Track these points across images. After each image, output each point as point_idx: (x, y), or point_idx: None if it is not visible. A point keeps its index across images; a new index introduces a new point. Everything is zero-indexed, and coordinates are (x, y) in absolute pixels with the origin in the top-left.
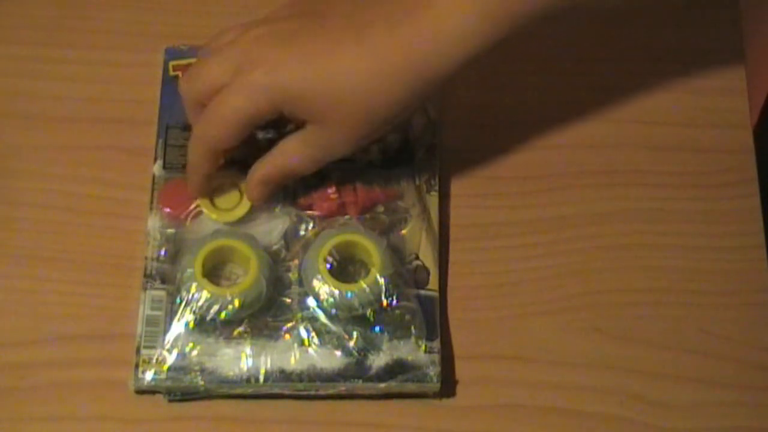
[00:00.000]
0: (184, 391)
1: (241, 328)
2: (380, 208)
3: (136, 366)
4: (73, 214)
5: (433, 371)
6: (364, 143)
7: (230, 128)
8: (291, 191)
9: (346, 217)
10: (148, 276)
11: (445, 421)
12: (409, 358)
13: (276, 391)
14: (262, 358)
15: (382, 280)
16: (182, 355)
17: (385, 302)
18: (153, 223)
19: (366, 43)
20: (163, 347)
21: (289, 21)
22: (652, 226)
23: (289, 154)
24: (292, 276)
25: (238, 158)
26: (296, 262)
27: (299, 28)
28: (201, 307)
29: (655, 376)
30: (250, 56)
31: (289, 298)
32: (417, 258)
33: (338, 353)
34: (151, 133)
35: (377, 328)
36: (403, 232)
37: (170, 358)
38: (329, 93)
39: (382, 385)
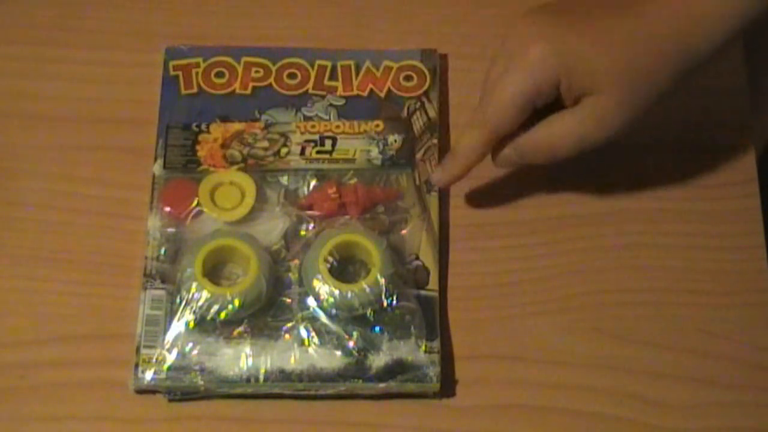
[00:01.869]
0: (183, 390)
1: (241, 328)
2: (380, 209)
3: (136, 365)
4: (73, 213)
5: (433, 371)
6: (637, 121)
7: (512, 108)
8: (292, 190)
9: (347, 217)
10: (148, 275)
11: (445, 420)
12: (409, 358)
13: (276, 391)
14: (262, 358)
15: (382, 280)
16: (182, 354)
17: (385, 302)
18: (153, 222)
19: (640, 20)
20: (162, 347)
21: (552, 5)
22: (652, 226)
23: (554, 130)
24: (293, 276)
25: None
26: (296, 262)
27: (565, 10)
28: (201, 306)
29: (655, 376)
30: (522, 38)
31: (289, 298)
32: (417, 258)
33: (338, 353)
34: (152, 133)
35: (377, 328)
36: (403, 232)
37: (170, 358)
38: (611, 60)
39: (382, 385)
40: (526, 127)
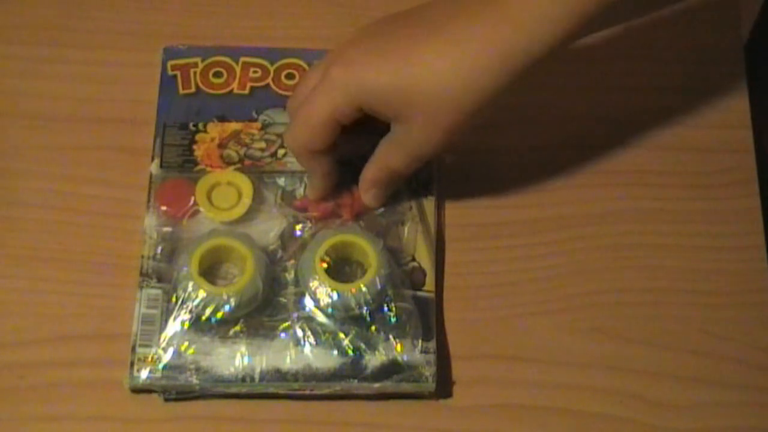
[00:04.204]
0: (179, 390)
1: (236, 328)
2: (377, 210)
3: (131, 364)
4: (72, 213)
5: (429, 372)
6: (455, 139)
7: (314, 128)
8: (288, 192)
9: (342, 218)
10: (144, 274)
11: (443, 420)
12: (405, 358)
13: (271, 390)
14: (258, 358)
15: (378, 281)
16: (177, 353)
17: (381, 303)
18: (150, 221)
19: (446, 37)
20: (158, 346)
21: (378, 24)
22: (652, 226)
23: (386, 155)
24: (289, 276)
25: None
26: (293, 262)
27: (382, 30)
28: (197, 306)
29: (655, 376)
30: (333, 57)
31: (285, 297)
32: (413, 259)
33: (334, 353)
34: (150, 133)
35: (373, 329)
36: (400, 233)
37: (165, 357)
38: (408, 90)
39: (378, 385)
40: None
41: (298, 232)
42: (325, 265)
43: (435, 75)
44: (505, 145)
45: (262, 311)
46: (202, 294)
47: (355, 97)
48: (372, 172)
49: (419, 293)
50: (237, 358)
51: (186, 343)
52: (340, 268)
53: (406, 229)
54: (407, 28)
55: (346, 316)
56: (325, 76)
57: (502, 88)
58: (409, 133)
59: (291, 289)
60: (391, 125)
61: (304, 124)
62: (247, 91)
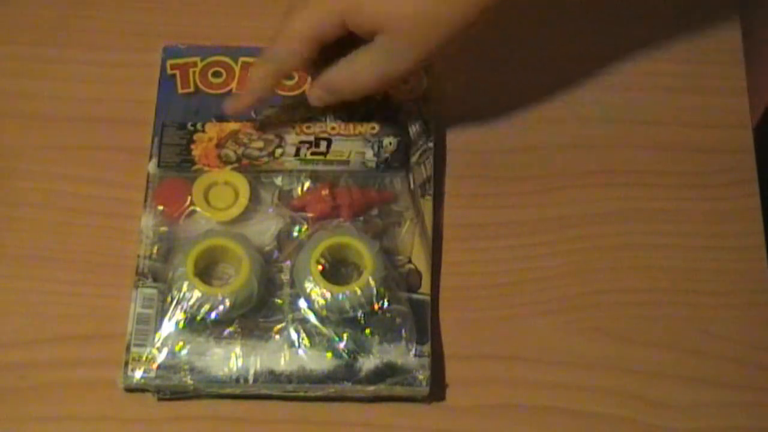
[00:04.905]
0: (173, 390)
1: (231, 328)
2: (374, 211)
3: (126, 364)
4: (72, 213)
5: (423, 375)
6: (431, 57)
7: (298, 43)
8: (286, 192)
9: (340, 219)
10: (140, 274)
11: (442, 421)
12: (399, 361)
13: (265, 392)
14: (252, 359)
15: (373, 283)
16: (172, 353)
17: (376, 305)
18: (146, 221)
19: None
20: (153, 345)
21: None
22: (652, 226)
23: (355, 66)
24: (284, 277)
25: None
26: (289, 263)
27: None
28: (192, 306)
29: (655, 376)
30: None
31: (280, 299)
32: (410, 261)
33: (328, 355)
34: (149, 132)
35: (368, 331)
36: (397, 235)
37: (160, 357)
38: (395, 3)
39: (371, 387)
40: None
41: (295, 233)
42: (321, 267)
43: None
44: (505, 145)
45: (257, 312)
46: (197, 294)
47: (341, 12)
48: (335, 77)
49: (415, 296)
50: (231, 359)
51: (181, 343)
52: (336, 270)
53: (403, 230)
54: None
55: (340, 319)
56: None
57: (480, 10)
58: (391, 43)
59: (286, 290)
60: (374, 38)
61: (288, 38)
62: None
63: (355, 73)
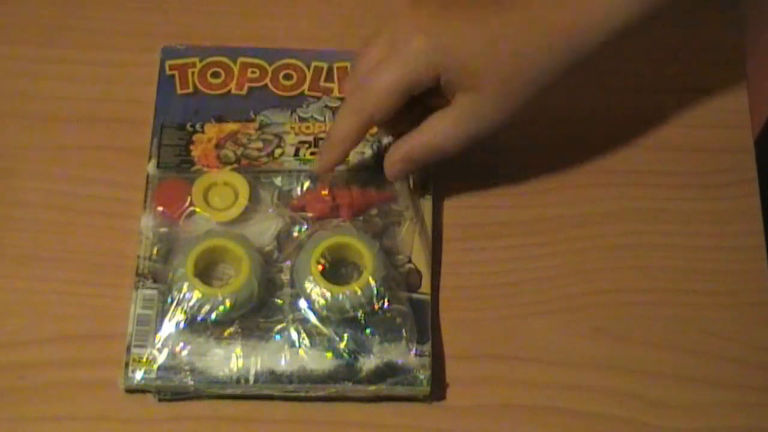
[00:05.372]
0: (173, 390)
1: (232, 329)
2: (374, 211)
3: (126, 365)
4: (72, 213)
5: (423, 375)
6: (516, 116)
7: (389, 96)
8: (285, 192)
9: (339, 219)
10: (140, 275)
11: (442, 421)
12: (399, 361)
13: (265, 392)
14: (253, 359)
15: (373, 283)
16: (172, 354)
17: (376, 305)
18: (146, 222)
19: (523, 14)
20: (153, 346)
21: (438, 5)
22: (652, 226)
23: (437, 130)
24: (284, 277)
25: None
26: (289, 263)
27: (452, 5)
28: (192, 306)
29: (655, 376)
30: (406, 27)
31: (280, 299)
32: (410, 261)
33: (328, 355)
34: (148, 133)
35: (368, 331)
36: (396, 235)
37: (160, 358)
38: (488, 56)
39: (372, 387)
40: (409, 126)
41: (295, 233)
42: (321, 267)
43: (515, 47)
44: (505, 145)
45: (258, 312)
46: (197, 295)
47: (439, 66)
48: (412, 146)
49: (415, 295)
50: (232, 360)
51: (181, 344)
52: (336, 270)
53: (403, 230)
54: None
55: (341, 318)
56: (400, 45)
57: (566, 68)
58: (477, 103)
59: (286, 290)
60: (455, 98)
61: (378, 91)
62: (244, 92)
63: (438, 139)
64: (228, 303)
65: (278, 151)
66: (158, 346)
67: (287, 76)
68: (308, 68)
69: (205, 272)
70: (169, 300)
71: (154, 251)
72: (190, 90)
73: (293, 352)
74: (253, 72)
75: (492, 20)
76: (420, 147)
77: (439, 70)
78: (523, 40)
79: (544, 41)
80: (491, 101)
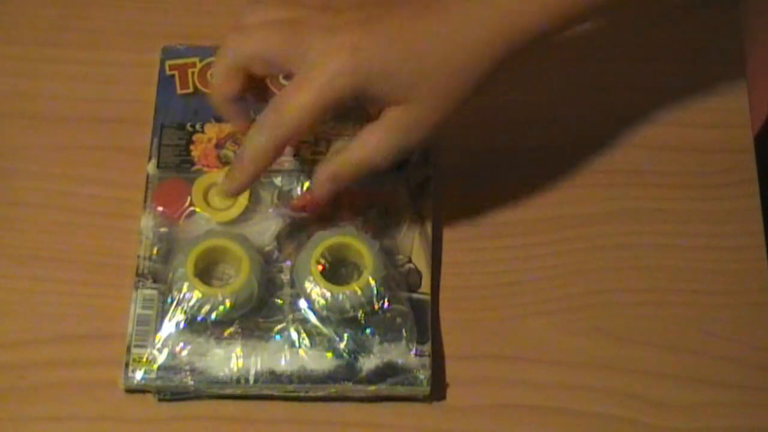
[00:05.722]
0: (173, 390)
1: (232, 329)
2: (373, 211)
3: (126, 365)
4: (72, 213)
5: (423, 375)
6: (447, 123)
7: (310, 115)
8: (285, 192)
9: (339, 219)
10: (140, 275)
11: (442, 421)
12: (400, 361)
13: (266, 392)
14: (253, 359)
15: (374, 283)
16: (172, 354)
17: (376, 305)
18: (146, 222)
19: (443, 17)
20: (153, 346)
21: (354, 11)
22: (652, 226)
23: (368, 147)
24: (284, 277)
25: None
26: (289, 263)
27: (369, 16)
28: (192, 306)
29: (655, 376)
30: (324, 44)
31: (280, 299)
32: (410, 261)
33: (328, 355)
34: (148, 133)
35: (368, 331)
36: (396, 235)
37: (160, 358)
38: (413, 70)
39: (372, 387)
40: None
41: (295, 233)
42: (321, 267)
43: (439, 56)
44: (505, 145)
45: (258, 312)
46: (197, 295)
47: (362, 84)
48: (341, 165)
49: (415, 295)
50: (232, 360)
51: (181, 344)
52: (336, 270)
53: (403, 229)
54: (398, 12)
55: (341, 318)
56: (321, 63)
57: (496, 69)
58: (406, 116)
59: (286, 290)
60: (384, 112)
61: (298, 109)
62: None
63: (368, 155)
64: (228, 303)
65: None
66: (158, 346)
67: (287, 76)
68: None
69: (205, 272)
70: (169, 300)
71: (154, 251)
72: (190, 90)
73: (293, 352)
74: None
75: (413, 28)
76: (349, 165)
77: (362, 90)
78: (447, 49)
79: (469, 48)
80: (421, 112)
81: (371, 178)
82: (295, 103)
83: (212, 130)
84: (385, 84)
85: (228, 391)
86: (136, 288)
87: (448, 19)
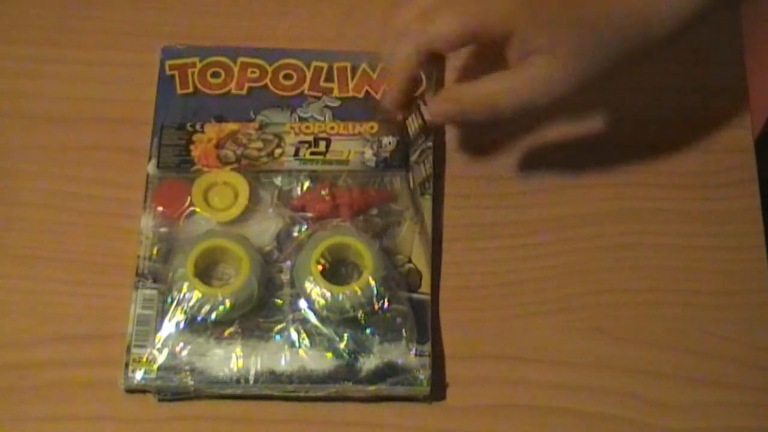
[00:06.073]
0: (173, 390)
1: (232, 329)
2: (374, 211)
3: (126, 365)
4: (72, 213)
5: (423, 375)
6: (581, 90)
7: (456, 33)
8: (285, 191)
9: (339, 219)
10: (140, 275)
11: (442, 421)
12: (400, 361)
13: (266, 392)
14: (253, 359)
15: (373, 283)
16: (172, 354)
17: (376, 305)
18: (146, 222)
19: None
20: (153, 346)
21: None
22: (652, 226)
23: (502, 90)
24: (285, 277)
25: None
26: (289, 263)
27: None
28: (192, 306)
29: (655, 376)
30: None
31: (280, 299)
32: (410, 261)
33: (328, 355)
34: (148, 133)
35: (368, 331)
36: (396, 235)
37: (160, 358)
38: (570, 25)
39: (372, 387)
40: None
41: (295, 233)
42: (321, 267)
43: (593, 19)
44: (505, 145)
45: (258, 312)
46: (197, 295)
47: (518, 22)
48: (471, 93)
49: (415, 295)
50: (232, 360)
51: (181, 344)
52: (336, 270)
53: (403, 230)
54: None
55: (341, 318)
56: None
57: (638, 48)
58: (548, 65)
59: (286, 290)
60: (528, 59)
61: (448, 21)
62: (244, 92)
63: (497, 95)
64: (228, 303)
65: (278, 151)
66: (158, 346)
67: (287, 76)
68: (308, 68)
69: (205, 272)
70: (169, 300)
71: (154, 251)
72: (190, 90)
73: (293, 352)
74: (253, 72)
75: None
76: (475, 97)
77: (517, 27)
78: (602, 19)
79: (620, 20)
80: (565, 70)
81: (372, 177)
82: (446, 19)
83: (212, 130)
84: (542, 30)
85: (228, 391)
86: (136, 288)
87: None
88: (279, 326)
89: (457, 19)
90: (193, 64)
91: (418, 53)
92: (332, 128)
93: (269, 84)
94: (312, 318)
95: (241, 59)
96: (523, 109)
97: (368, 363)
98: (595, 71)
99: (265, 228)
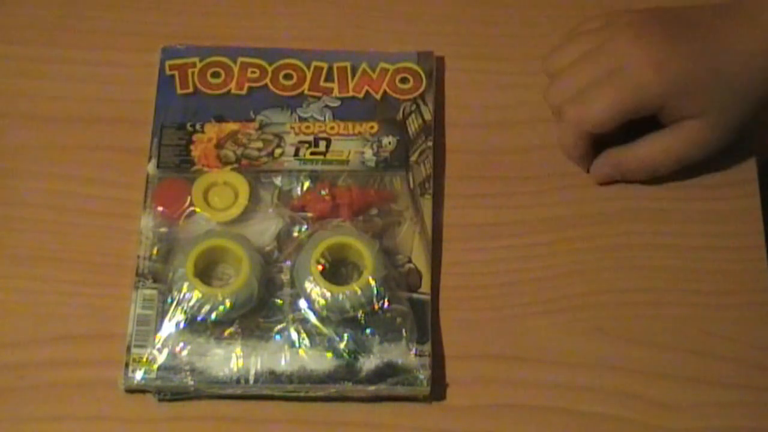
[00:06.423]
0: (173, 390)
1: (232, 329)
2: (374, 211)
3: (126, 365)
4: (72, 213)
5: (423, 375)
6: (735, 135)
7: (610, 118)
8: (285, 191)
9: (339, 219)
10: (140, 275)
11: (442, 421)
12: (400, 361)
13: (266, 392)
14: (253, 359)
15: (373, 283)
16: (173, 354)
17: (376, 305)
18: (146, 222)
19: (732, 37)
20: (153, 346)
21: (651, 23)
22: (652, 226)
23: (656, 149)
24: (285, 277)
25: None
26: (288, 263)
27: (668, 21)
28: (192, 306)
29: (655, 376)
30: (632, 56)
31: (280, 299)
32: (410, 261)
33: (328, 355)
34: (148, 133)
35: (368, 331)
36: (396, 235)
37: (160, 358)
38: (713, 86)
39: (372, 387)
40: (622, 141)
41: (295, 233)
42: (321, 267)
43: (731, 69)
44: (505, 145)
45: (258, 312)
46: (197, 295)
47: (665, 97)
48: (630, 158)
49: (415, 295)
50: (232, 360)
51: (181, 344)
52: (336, 270)
53: (403, 230)
54: (694, 25)
55: (341, 318)
56: (626, 73)
57: None
58: (701, 128)
59: (286, 290)
60: (680, 123)
61: (600, 108)
62: (244, 92)
63: (654, 156)
64: (228, 303)
65: (278, 151)
66: (158, 346)
67: (287, 76)
68: (308, 68)
69: (205, 272)
70: (169, 300)
71: (154, 251)
72: (190, 90)
73: (293, 352)
74: (253, 72)
75: (712, 48)
76: (635, 160)
77: (664, 102)
78: (739, 65)
79: (756, 65)
80: (714, 128)
81: (372, 178)
82: (599, 105)
83: (212, 130)
84: (686, 99)
85: (228, 391)
86: (136, 288)
87: (742, 38)
88: (279, 326)
89: (614, 106)
90: (193, 64)
91: (581, 139)
92: (332, 128)
93: (269, 84)
94: (312, 318)
95: (241, 59)
96: (679, 166)
97: (368, 363)
98: (744, 120)
99: (265, 228)
